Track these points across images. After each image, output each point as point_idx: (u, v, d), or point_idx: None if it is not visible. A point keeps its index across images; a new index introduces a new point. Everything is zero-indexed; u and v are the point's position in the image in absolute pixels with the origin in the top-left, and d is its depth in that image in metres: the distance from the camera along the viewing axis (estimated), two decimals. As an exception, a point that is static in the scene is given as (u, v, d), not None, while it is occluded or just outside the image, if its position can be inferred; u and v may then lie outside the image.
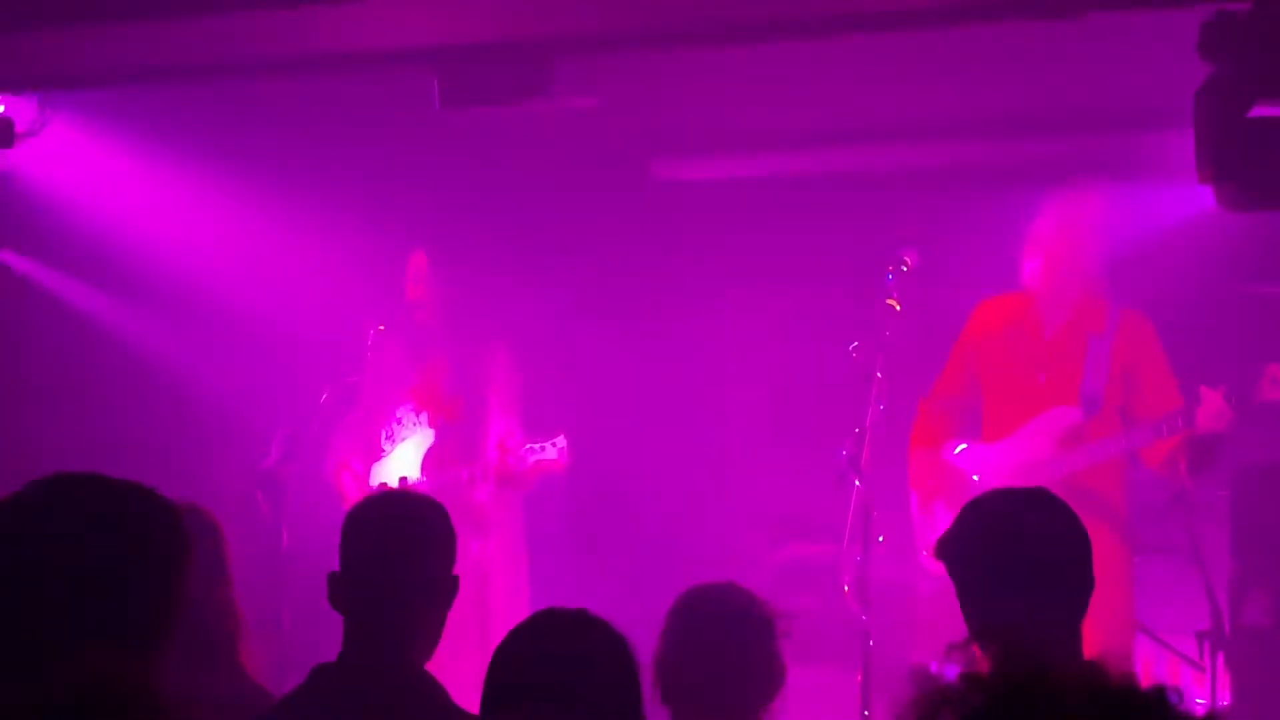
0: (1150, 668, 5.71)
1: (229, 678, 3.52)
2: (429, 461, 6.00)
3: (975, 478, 5.40)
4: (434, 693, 3.10)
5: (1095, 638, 3.01)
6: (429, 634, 3.19)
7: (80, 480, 2.51)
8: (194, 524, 3.59)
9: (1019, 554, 3.03)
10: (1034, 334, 5.38)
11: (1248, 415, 5.00)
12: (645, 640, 3.31)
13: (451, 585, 3.21)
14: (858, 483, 4.81)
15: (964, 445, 5.49)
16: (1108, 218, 5.29)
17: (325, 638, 3.24)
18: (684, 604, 3.39)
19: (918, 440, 5.56)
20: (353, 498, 5.91)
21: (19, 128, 5.92)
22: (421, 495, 3.40)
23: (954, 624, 3.22)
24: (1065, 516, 3.07)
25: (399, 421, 6.10)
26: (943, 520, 5.37)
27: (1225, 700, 5.42)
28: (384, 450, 6.06)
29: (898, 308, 5.06)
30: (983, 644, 3.01)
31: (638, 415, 6.93)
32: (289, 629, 5.07)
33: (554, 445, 5.76)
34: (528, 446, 5.78)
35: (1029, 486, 3.26)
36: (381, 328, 5.98)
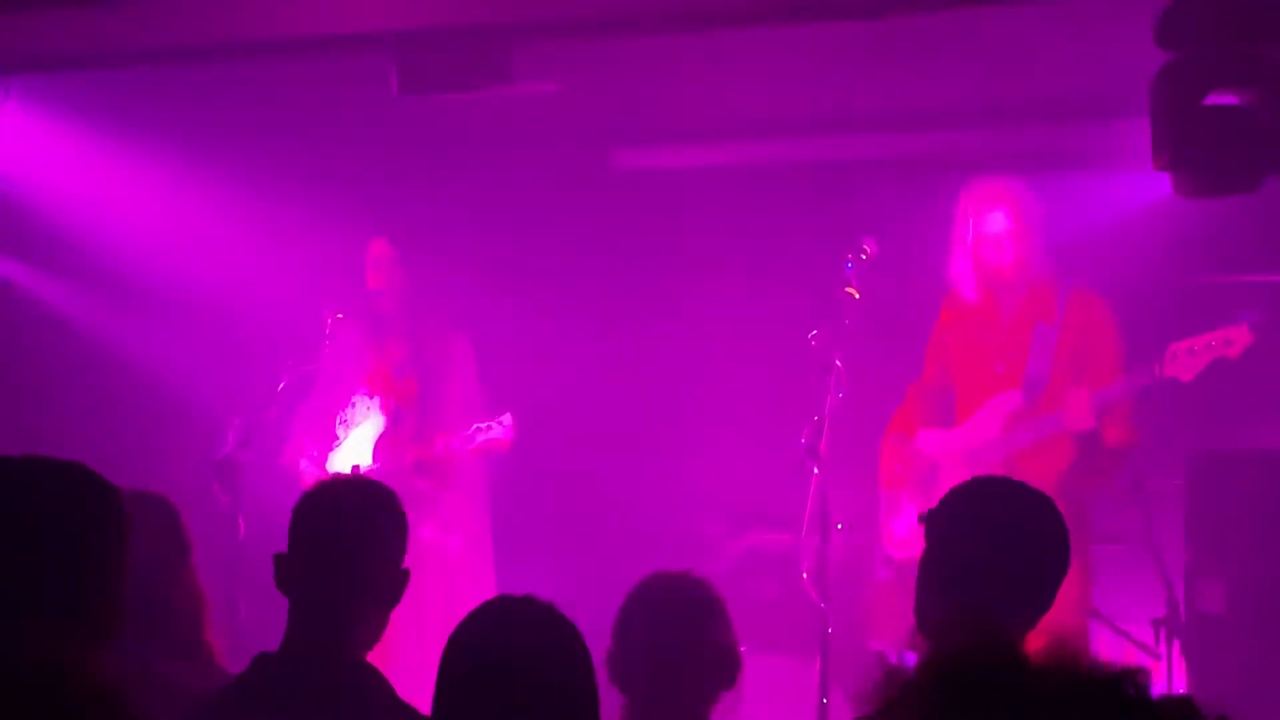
0: (1106, 656, 5.74)
1: (194, 663, 3.51)
2: (380, 448, 5.97)
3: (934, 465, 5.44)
4: (376, 685, 3.08)
5: (1048, 621, 3.02)
6: (372, 625, 3.15)
7: (14, 462, 2.48)
8: (152, 510, 3.60)
9: (1004, 548, 3.04)
10: (992, 324, 5.44)
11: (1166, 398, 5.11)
12: (606, 626, 3.30)
13: (400, 578, 3.18)
14: (816, 470, 4.82)
15: (929, 433, 5.54)
16: (1024, 206, 5.34)
17: (281, 627, 3.21)
18: (639, 592, 3.37)
19: (893, 427, 5.61)
20: (310, 484, 5.88)
21: (-29, 112, 5.86)
22: (373, 482, 3.37)
23: (912, 612, 3.22)
24: (1056, 518, 3.10)
25: (353, 407, 6.07)
26: (906, 508, 5.39)
27: (1180, 688, 5.45)
28: (339, 437, 6.04)
29: (857, 296, 5.06)
30: (939, 627, 3.02)
31: (597, 402, 6.92)
32: (245, 618, 5.04)
33: (499, 423, 5.76)
34: (475, 427, 5.79)
35: (1021, 481, 3.26)
36: (339, 315, 5.95)
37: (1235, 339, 5.03)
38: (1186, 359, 5.04)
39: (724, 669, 3.33)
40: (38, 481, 2.47)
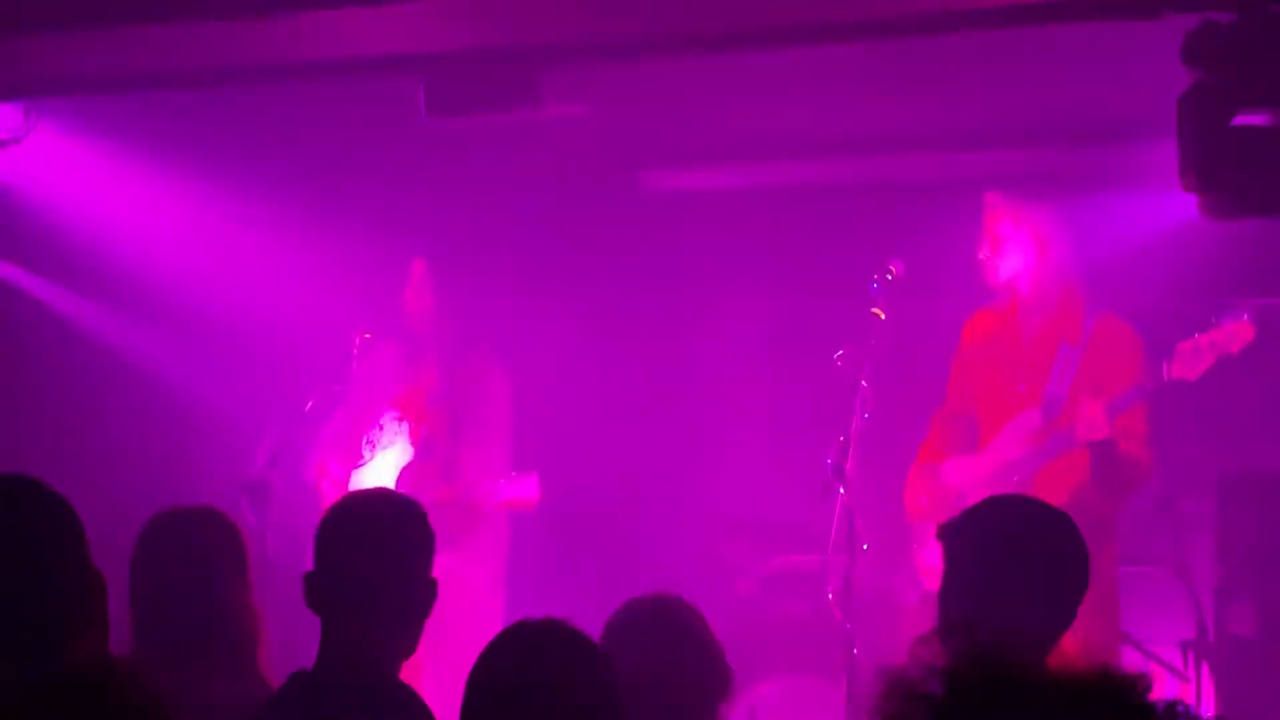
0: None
1: (243, 677, 3.52)
2: (405, 479, 5.96)
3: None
4: (413, 703, 3.08)
5: (1078, 641, 3.02)
6: (404, 640, 3.15)
7: None
8: (214, 528, 3.63)
9: (1022, 563, 3.04)
10: (1014, 344, 5.41)
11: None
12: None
13: (430, 590, 3.18)
14: (842, 491, 4.81)
15: (954, 461, 5.51)
16: (1028, 220, 5.33)
17: (310, 645, 3.22)
18: (619, 618, 3.28)
19: (922, 457, 5.57)
20: (330, 502, 5.87)
21: (2, 135, 5.90)
22: (400, 496, 3.37)
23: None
24: (1073, 533, 3.09)
25: (381, 428, 6.07)
26: (931, 541, 5.36)
27: (1210, 711, 5.42)
28: (364, 457, 6.04)
29: (883, 317, 5.07)
30: (954, 636, 3.02)
31: (623, 423, 6.92)
32: (273, 637, 5.05)
33: (524, 482, 5.70)
34: (500, 482, 5.73)
35: (1036, 498, 3.28)
36: (368, 335, 5.96)
37: (1237, 333, 4.95)
38: (1191, 358, 4.96)
39: (712, 684, 3.25)
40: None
